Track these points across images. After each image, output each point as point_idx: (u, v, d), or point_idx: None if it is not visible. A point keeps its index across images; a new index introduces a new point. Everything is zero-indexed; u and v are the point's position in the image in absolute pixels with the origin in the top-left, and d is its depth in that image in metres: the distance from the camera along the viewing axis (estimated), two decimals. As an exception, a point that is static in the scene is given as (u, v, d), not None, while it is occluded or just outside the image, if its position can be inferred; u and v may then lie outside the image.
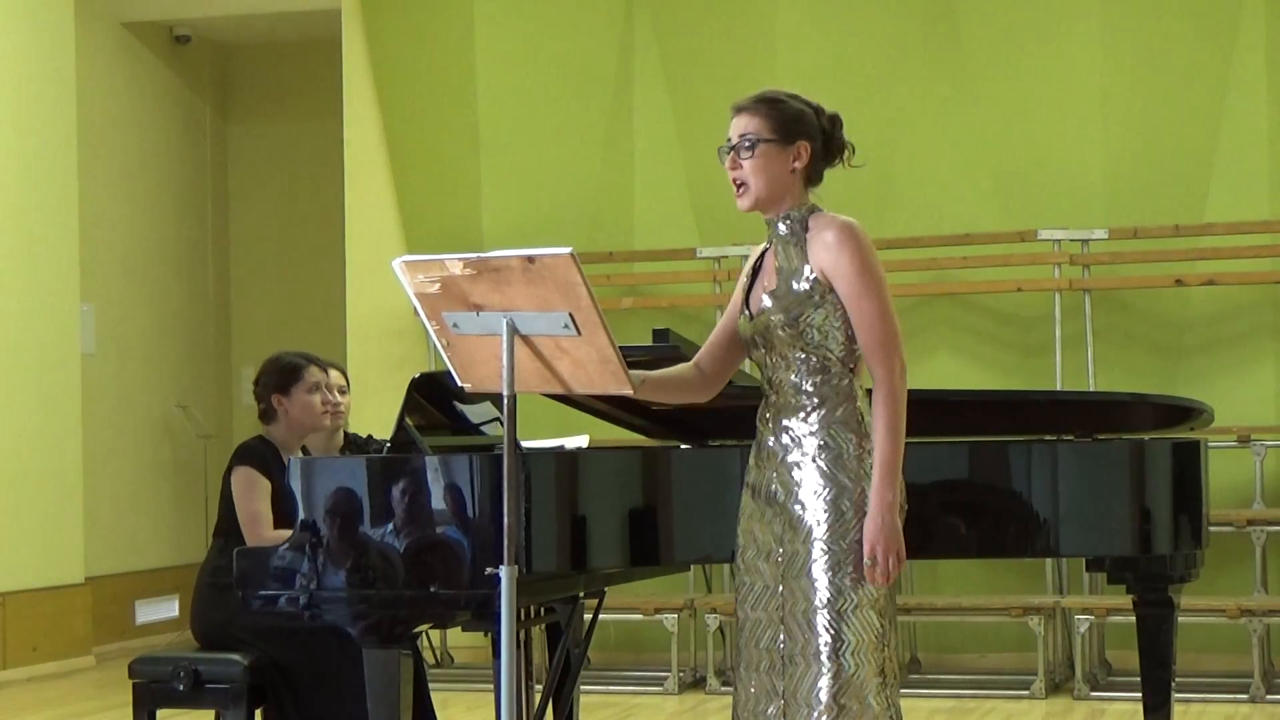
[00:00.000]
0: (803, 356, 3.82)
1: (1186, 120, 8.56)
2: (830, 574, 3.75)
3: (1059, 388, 8.35)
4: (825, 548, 3.76)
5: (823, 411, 3.82)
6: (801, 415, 3.83)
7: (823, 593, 3.75)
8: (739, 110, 3.87)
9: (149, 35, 10.66)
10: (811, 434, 3.82)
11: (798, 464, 3.82)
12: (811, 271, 3.80)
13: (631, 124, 9.28)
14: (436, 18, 9.53)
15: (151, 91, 10.72)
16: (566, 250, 3.87)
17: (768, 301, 3.85)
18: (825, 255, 3.79)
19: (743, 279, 4.01)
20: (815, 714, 3.74)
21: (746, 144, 3.83)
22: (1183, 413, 5.37)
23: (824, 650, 3.74)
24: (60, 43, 9.49)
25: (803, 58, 8.96)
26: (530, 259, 3.90)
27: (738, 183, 3.85)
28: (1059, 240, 8.45)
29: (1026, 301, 8.69)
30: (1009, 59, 8.79)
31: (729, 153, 3.86)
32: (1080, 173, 8.67)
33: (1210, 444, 5.54)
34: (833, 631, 3.74)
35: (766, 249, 3.95)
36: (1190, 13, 8.58)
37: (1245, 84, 8.48)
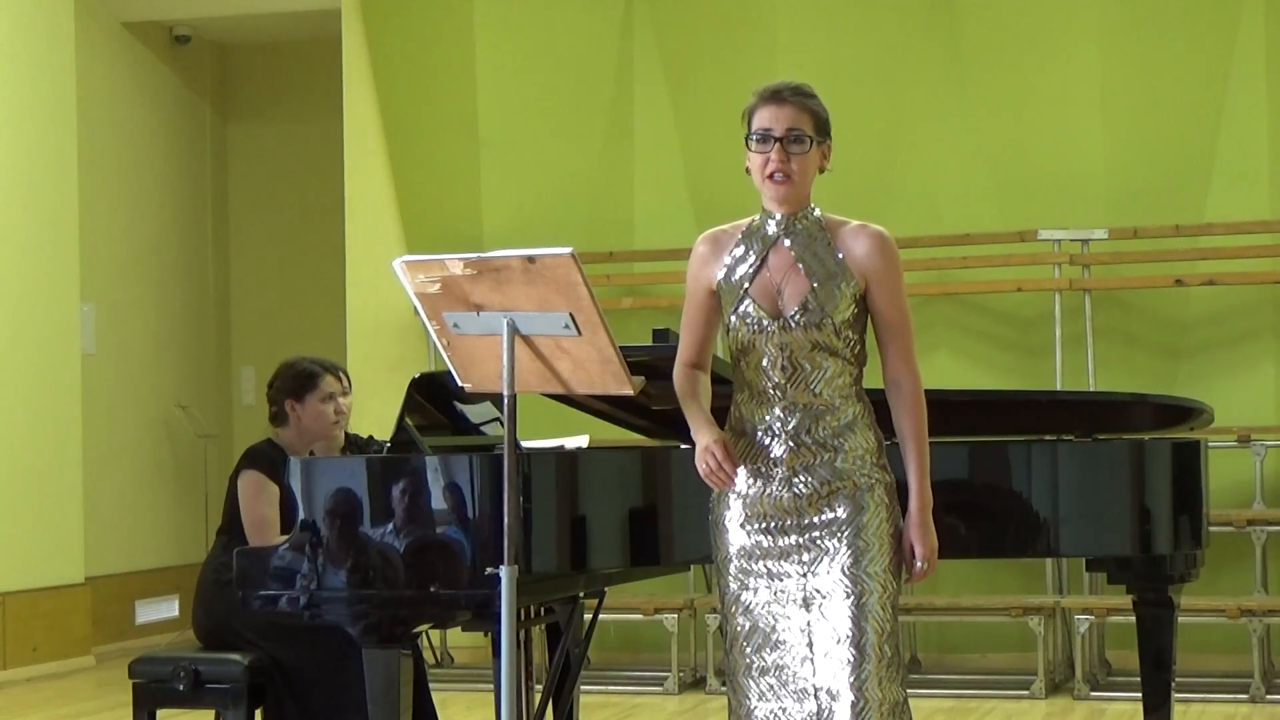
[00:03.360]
0: (829, 358, 3.82)
1: (1186, 120, 8.56)
2: (857, 569, 3.79)
3: (1059, 388, 8.34)
4: (851, 543, 3.80)
5: (844, 411, 3.84)
6: (823, 416, 3.83)
7: (851, 587, 3.78)
8: (782, 100, 3.82)
9: (149, 35, 10.66)
10: (832, 434, 3.82)
11: (816, 464, 3.82)
12: (853, 275, 3.82)
13: (631, 124, 9.28)
14: (436, 18, 9.53)
15: (151, 91, 10.72)
16: (567, 250, 3.87)
17: (803, 302, 3.80)
18: (868, 260, 3.82)
19: (718, 276, 3.90)
20: (847, 705, 3.75)
21: (796, 138, 3.81)
22: (1183, 413, 5.38)
23: (854, 643, 3.77)
24: (60, 43, 9.49)
25: (803, 58, 8.96)
26: (530, 259, 3.90)
27: (781, 174, 3.81)
28: (1059, 240, 8.45)
29: (1026, 301, 8.69)
30: (1009, 59, 8.79)
31: (773, 143, 3.80)
32: (1080, 173, 8.67)
33: (1210, 444, 5.54)
34: (861, 624, 3.77)
35: (768, 247, 3.86)
36: (1190, 13, 8.57)
37: (1245, 84, 8.48)
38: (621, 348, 4.01)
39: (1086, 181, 8.65)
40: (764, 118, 3.82)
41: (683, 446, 5.14)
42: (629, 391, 4.01)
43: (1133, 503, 4.88)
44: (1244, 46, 8.48)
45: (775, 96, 3.83)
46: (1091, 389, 8.28)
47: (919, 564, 3.83)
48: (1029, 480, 4.83)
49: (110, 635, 9.82)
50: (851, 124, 9.02)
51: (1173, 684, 5.07)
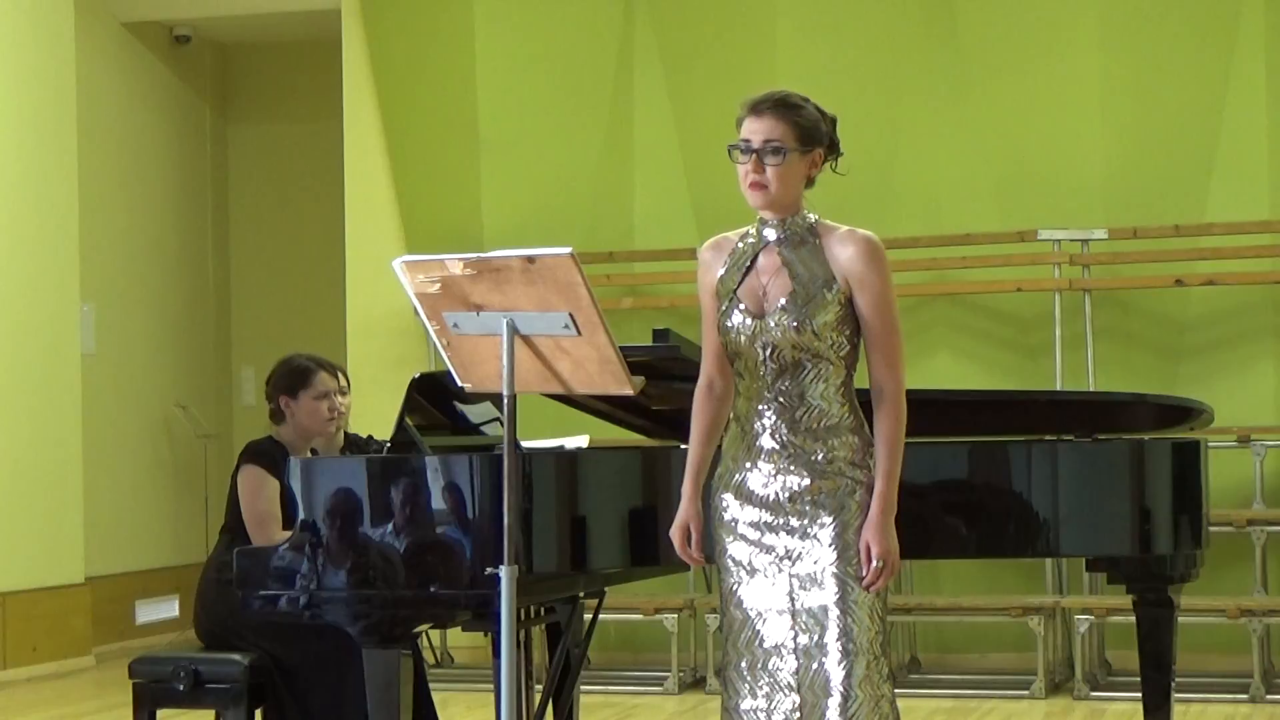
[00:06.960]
0: (811, 360, 3.83)
1: (1186, 120, 8.56)
2: (841, 567, 3.80)
3: (1059, 388, 8.34)
4: (834, 542, 3.80)
5: (831, 412, 3.84)
6: (806, 416, 3.84)
7: (835, 585, 3.79)
8: (760, 112, 3.84)
9: (149, 35, 10.66)
10: (815, 434, 3.84)
11: (801, 463, 3.84)
12: (835, 279, 3.82)
13: (631, 124, 9.28)
14: (436, 18, 9.53)
15: (151, 91, 10.72)
16: (566, 250, 3.87)
17: (784, 303, 3.83)
18: (853, 266, 3.81)
19: (718, 277, 3.93)
20: (835, 703, 3.77)
21: (773, 149, 3.82)
22: (1183, 413, 5.38)
23: (840, 641, 3.78)
24: (60, 43, 9.49)
25: (803, 58, 8.96)
26: (530, 259, 3.91)
27: (757, 184, 3.84)
28: (1059, 240, 8.45)
29: (1026, 301, 8.69)
30: (1009, 59, 8.79)
31: (750, 154, 3.83)
32: (1080, 173, 8.67)
33: (1210, 444, 5.54)
34: (847, 623, 3.78)
35: (758, 250, 3.91)
36: (1190, 14, 8.57)
37: (1245, 84, 8.47)
38: (621, 348, 4.01)
39: (1086, 181, 8.65)
40: (745, 128, 3.86)
41: (682, 447, 5.14)
42: (629, 391, 4.02)
43: (1133, 503, 4.88)
44: (1244, 46, 8.48)
45: (755, 108, 3.86)
46: (1091, 389, 8.28)
47: (874, 563, 3.78)
48: (1029, 480, 4.83)
49: (110, 635, 9.82)
50: (851, 124, 8.97)
51: (1173, 684, 5.07)
